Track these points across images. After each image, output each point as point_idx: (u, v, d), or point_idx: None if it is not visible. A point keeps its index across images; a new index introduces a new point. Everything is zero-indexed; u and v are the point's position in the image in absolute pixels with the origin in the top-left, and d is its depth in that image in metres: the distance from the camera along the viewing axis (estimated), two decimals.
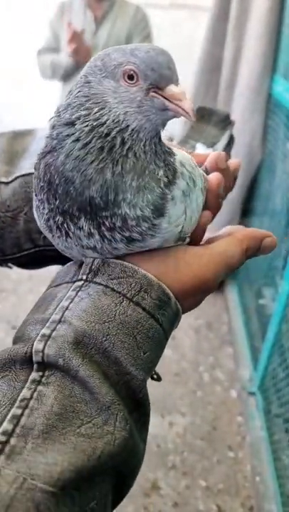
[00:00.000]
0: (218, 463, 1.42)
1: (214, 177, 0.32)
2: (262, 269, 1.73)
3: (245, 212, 1.95)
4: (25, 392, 0.20)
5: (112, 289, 0.23)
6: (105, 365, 0.21)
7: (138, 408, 0.23)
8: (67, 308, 0.23)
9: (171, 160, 0.29)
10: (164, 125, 0.29)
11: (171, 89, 0.27)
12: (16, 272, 2.30)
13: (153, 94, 0.27)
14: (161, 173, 0.27)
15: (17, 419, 0.19)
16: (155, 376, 0.33)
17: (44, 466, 0.17)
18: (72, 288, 0.25)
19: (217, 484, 1.35)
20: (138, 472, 0.24)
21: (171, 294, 0.25)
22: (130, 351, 0.22)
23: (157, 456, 1.42)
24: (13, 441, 0.18)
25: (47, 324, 0.23)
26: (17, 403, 0.19)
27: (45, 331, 0.22)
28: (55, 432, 0.18)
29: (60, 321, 0.22)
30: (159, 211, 0.27)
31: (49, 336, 0.22)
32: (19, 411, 0.19)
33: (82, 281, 0.25)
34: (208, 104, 1.86)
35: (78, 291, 0.24)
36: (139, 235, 0.26)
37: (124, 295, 0.23)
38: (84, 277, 0.25)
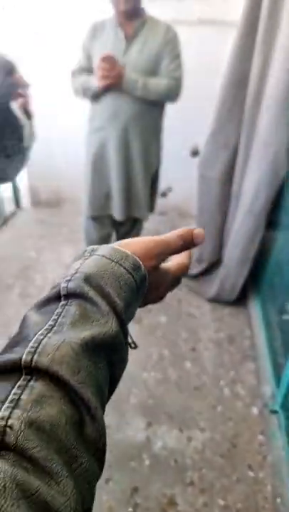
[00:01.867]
0: (238, 481, 1.38)
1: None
2: (285, 284, 1.70)
3: (270, 225, 1.93)
4: (58, 310, 0.33)
5: (106, 257, 0.37)
6: (101, 294, 0.34)
7: (122, 324, 0.34)
8: (81, 265, 0.37)
9: None
10: None
11: None
12: (41, 278, 2.34)
13: None
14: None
15: (55, 320, 0.32)
16: (132, 345, 0.43)
17: (74, 334, 0.30)
18: (83, 257, 0.39)
19: (236, 504, 1.31)
20: (124, 369, 0.37)
21: (141, 263, 0.38)
22: (116, 290, 0.35)
23: (175, 471, 1.40)
24: (54, 329, 0.31)
25: (68, 274, 0.36)
26: (54, 316, 0.32)
27: (68, 277, 0.35)
28: (79, 323, 0.32)
29: (76, 271, 0.36)
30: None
31: (70, 279, 0.35)
32: (56, 317, 0.32)
33: (89, 254, 0.39)
34: (234, 118, 1.86)
35: (87, 258, 0.38)
36: None
37: (113, 260, 0.37)
38: (88, 254, 0.39)
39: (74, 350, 0.29)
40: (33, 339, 0.30)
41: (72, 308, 0.33)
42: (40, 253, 2.64)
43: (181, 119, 2.79)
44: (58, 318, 0.32)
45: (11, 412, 0.24)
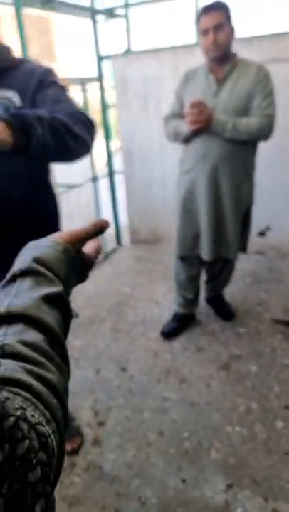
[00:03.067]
0: None
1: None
2: None
3: None
4: (17, 283, 0.41)
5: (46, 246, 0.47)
6: (47, 269, 0.45)
7: (66, 288, 0.45)
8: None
9: None
10: None
11: None
12: (132, 314, 2.41)
13: None
14: None
15: (17, 290, 0.41)
16: (74, 314, 0.48)
17: (33, 294, 0.41)
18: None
19: None
20: (69, 326, 0.46)
21: (70, 246, 0.48)
22: (56, 266, 0.45)
23: None
24: (17, 295, 0.40)
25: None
26: (14, 288, 0.41)
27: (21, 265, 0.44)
28: (35, 288, 0.41)
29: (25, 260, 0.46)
30: None
31: (22, 265, 0.44)
32: (17, 288, 0.41)
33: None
34: None
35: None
36: None
37: (50, 246, 0.47)
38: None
39: (36, 302, 0.39)
40: (4, 304, 0.38)
41: (28, 280, 0.42)
42: (135, 289, 2.73)
43: (281, 156, 2.69)
44: (18, 288, 0.41)
45: (4, 339, 0.35)
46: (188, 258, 2.07)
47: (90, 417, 1.72)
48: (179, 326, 2.24)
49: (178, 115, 1.91)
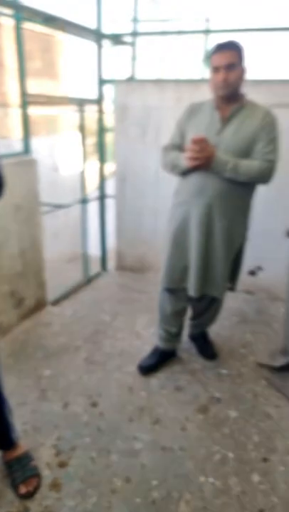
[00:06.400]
0: None
1: None
2: None
3: None
4: None
5: None
6: None
7: None
8: None
9: None
10: None
11: None
12: (109, 345, 2.29)
13: None
14: None
15: None
16: None
17: None
18: None
19: None
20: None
21: None
22: None
23: None
24: None
25: None
26: None
27: None
28: None
29: None
30: None
31: None
32: None
33: None
34: None
35: None
36: None
37: None
38: None
39: None
40: None
41: None
42: (115, 318, 2.62)
43: (281, 198, 2.69)
44: None
45: None
46: (175, 291, 1.98)
47: (51, 457, 1.56)
48: (159, 361, 2.12)
49: (177, 146, 1.87)
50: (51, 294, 2.79)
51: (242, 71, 1.70)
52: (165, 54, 4.57)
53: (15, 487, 1.42)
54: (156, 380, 2.02)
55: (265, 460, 1.58)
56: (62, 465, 1.53)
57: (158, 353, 2.14)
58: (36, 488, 1.43)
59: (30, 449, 1.56)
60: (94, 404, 1.84)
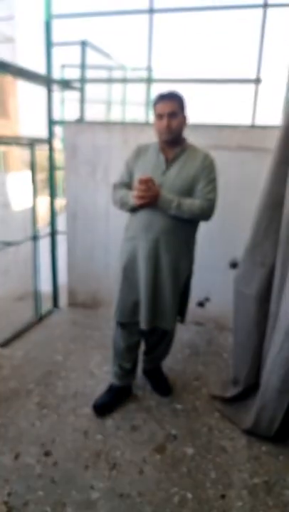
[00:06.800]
0: None
1: None
2: None
3: None
4: None
5: None
6: None
7: None
8: None
9: None
10: None
11: None
12: (63, 386, 2.22)
13: None
14: None
15: None
16: None
17: None
18: None
19: None
20: None
21: None
22: None
23: None
24: None
25: None
26: None
27: None
28: None
29: None
30: None
31: None
32: None
33: None
34: (271, 237, 1.84)
35: None
36: None
37: None
38: None
39: None
40: None
41: None
42: (68, 357, 2.55)
43: (222, 232, 2.84)
44: None
45: None
46: (128, 325, 2.00)
47: None
48: (114, 399, 2.09)
49: (126, 184, 1.96)
50: (0, 335, 2.67)
51: (183, 118, 1.86)
52: (112, 98, 4.79)
53: None
54: (111, 420, 1.98)
55: (223, 497, 1.59)
56: None
57: (113, 390, 2.12)
58: None
59: None
60: (47, 454, 1.76)
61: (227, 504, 1.56)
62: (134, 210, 1.89)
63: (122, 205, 1.92)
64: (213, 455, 1.80)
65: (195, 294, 2.89)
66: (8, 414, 1.99)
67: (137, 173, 1.90)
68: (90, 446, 1.81)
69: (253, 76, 2.73)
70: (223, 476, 1.69)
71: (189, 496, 1.59)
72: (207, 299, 3.04)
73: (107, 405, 2.06)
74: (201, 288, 2.97)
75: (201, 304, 3.06)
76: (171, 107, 1.80)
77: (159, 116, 1.83)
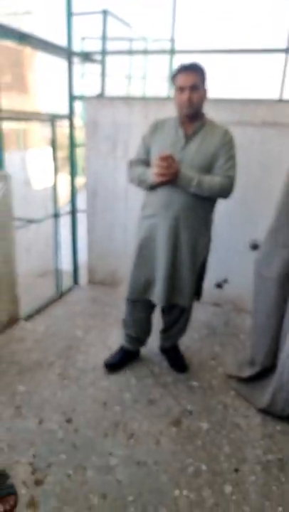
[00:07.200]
0: None
1: None
2: None
3: None
4: None
5: None
6: None
7: None
8: None
9: None
10: None
11: None
12: (83, 360, 2.30)
13: None
14: None
15: None
16: None
17: None
18: None
19: None
20: None
21: None
22: None
23: None
24: None
25: None
26: None
27: None
28: None
29: None
30: None
31: None
32: None
33: None
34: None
35: None
36: None
37: None
38: None
39: None
40: None
41: None
42: (88, 333, 2.63)
43: (243, 212, 2.82)
44: None
45: None
46: (138, 302, 2.08)
47: (27, 474, 1.56)
48: (123, 360, 2.25)
49: (143, 161, 1.95)
50: (23, 309, 2.76)
51: (204, 92, 1.82)
52: (133, 72, 4.69)
53: None
54: (129, 394, 2.06)
55: (236, 471, 1.65)
56: (38, 483, 1.53)
57: (123, 351, 2.27)
58: (13, 507, 1.42)
59: (6, 466, 1.55)
60: (69, 421, 1.85)
61: (240, 478, 1.62)
62: (152, 187, 1.88)
63: (140, 182, 1.91)
64: (227, 431, 1.85)
65: (213, 275, 2.92)
66: (31, 383, 2.08)
67: (154, 149, 1.89)
68: (108, 417, 1.89)
69: (283, 46, 2.62)
70: (237, 451, 1.75)
71: (204, 467, 1.65)
72: (225, 281, 3.05)
73: (116, 364, 2.22)
74: (219, 269, 2.98)
75: (219, 286, 3.07)
76: (193, 80, 1.75)
77: (180, 89, 1.79)
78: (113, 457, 1.67)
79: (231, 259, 2.95)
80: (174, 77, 1.81)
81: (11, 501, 1.43)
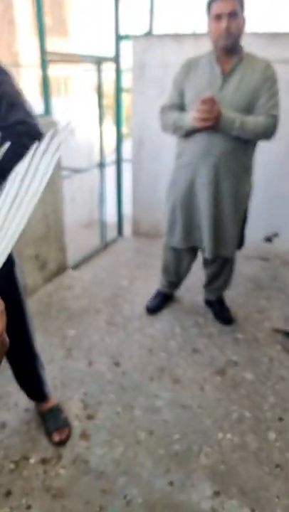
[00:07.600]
0: None
1: None
2: None
3: None
4: None
5: None
6: None
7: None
8: None
9: None
10: None
11: None
12: (128, 308, 2.36)
13: None
14: None
15: None
16: None
17: None
18: None
19: None
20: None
21: None
22: None
23: None
24: None
25: None
26: None
27: None
28: None
29: None
30: None
31: None
32: None
33: None
34: None
35: None
36: None
37: None
38: None
39: None
40: None
41: None
42: (133, 283, 2.68)
43: None
44: None
45: None
46: (177, 250, 2.09)
47: (79, 410, 1.68)
48: (160, 303, 2.35)
49: (177, 106, 1.82)
50: (71, 259, 2.84)
51: (243, 21, 1.64)
52: (182, 6, 4.32)
53: (49, 435, 1.54)
54: (174, 342, 2.11)
55: (280, 419, 1.68)
56: (89, 417, 1.65)
57: (160, 295, 2.37)
58: (68, 437, 1.55)
59: (60, 402, 1.67)
60: (116, 364, 1.93)
61: (284, 426, 1.65)
62: (189, 134, 1.77)
63: (176, 129, 1.79)
64: (272, 382, 1.87)
65: (262, 229, 2.82)
66: (81, 328, 2.18)
67: (188, 92, 1.75)
68: (154, 362, 1.96)
69: None
70: (281, 401, 1.77)
71: (248, 414, 1.70)
72: (276, 235, 2.95)
73: (157, 307, 2.32)
74: (269, 222, 2.87)
75: (268, 239, 2.97)
76: (231, 5, 1.57)
77: (217, 17, 1.61)
78: (159, 399, 1.75)
79: (282, 213, 2.82)
80: (209, 4, 1.62)
81: (66, 432, 1.56)
